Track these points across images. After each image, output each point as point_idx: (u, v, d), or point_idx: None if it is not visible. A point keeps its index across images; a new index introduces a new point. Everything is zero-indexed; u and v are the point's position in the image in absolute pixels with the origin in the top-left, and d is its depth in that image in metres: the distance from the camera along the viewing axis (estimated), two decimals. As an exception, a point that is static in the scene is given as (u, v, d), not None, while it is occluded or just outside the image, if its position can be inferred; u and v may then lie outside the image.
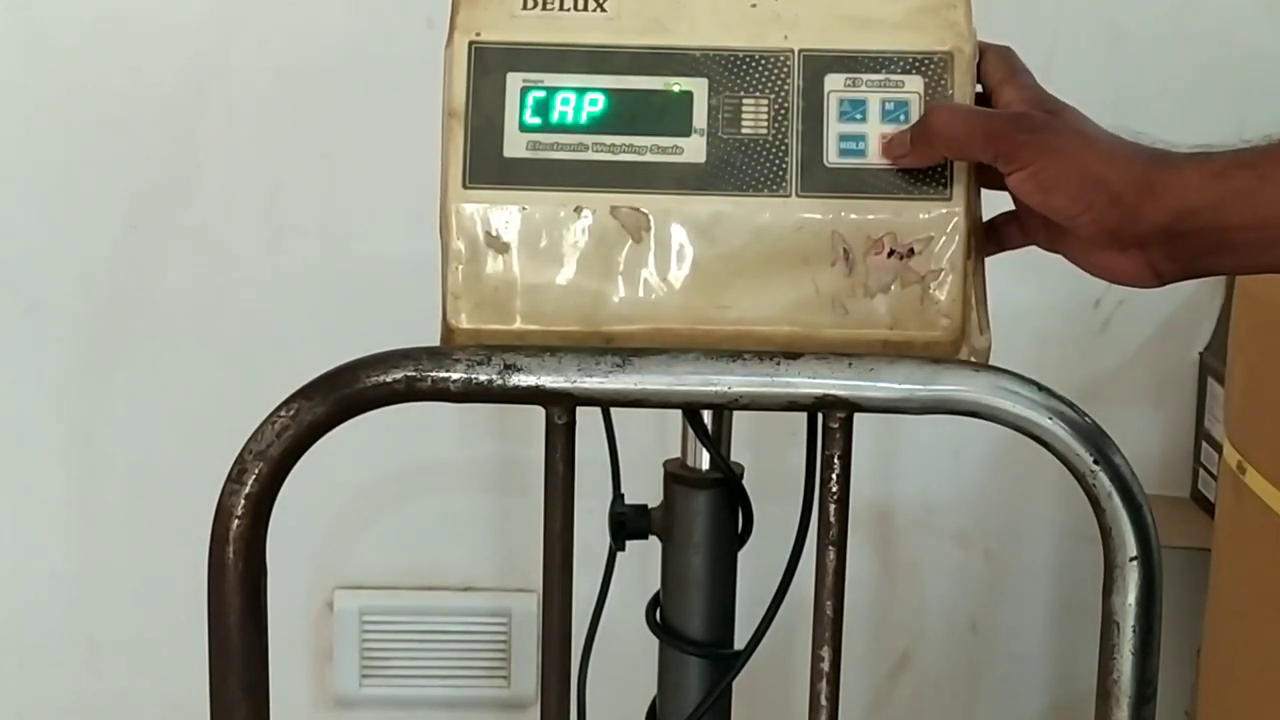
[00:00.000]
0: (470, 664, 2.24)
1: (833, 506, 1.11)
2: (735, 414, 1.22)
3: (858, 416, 1.09)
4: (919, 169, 1.09)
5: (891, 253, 1.09)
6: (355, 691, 2.24)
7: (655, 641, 1.28)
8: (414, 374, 1.08)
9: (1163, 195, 1.03)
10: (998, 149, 1.06)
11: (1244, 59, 2.13)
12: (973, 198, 1.10)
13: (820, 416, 1.11)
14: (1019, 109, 1.08)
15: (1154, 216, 1.04)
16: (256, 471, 1.08)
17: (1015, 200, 1.10)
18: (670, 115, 1.10)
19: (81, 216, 2.11)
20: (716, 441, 1.24)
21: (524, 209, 1.10)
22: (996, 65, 1.11)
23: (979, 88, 1.12)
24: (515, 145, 1.10)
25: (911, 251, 1.09)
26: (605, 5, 1.12)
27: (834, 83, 1.10)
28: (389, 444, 2.10)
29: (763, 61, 1.10)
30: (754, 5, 1.11)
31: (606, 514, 1.27)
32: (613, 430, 1.26)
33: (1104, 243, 1.07)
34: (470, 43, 1.11)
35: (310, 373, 1.09)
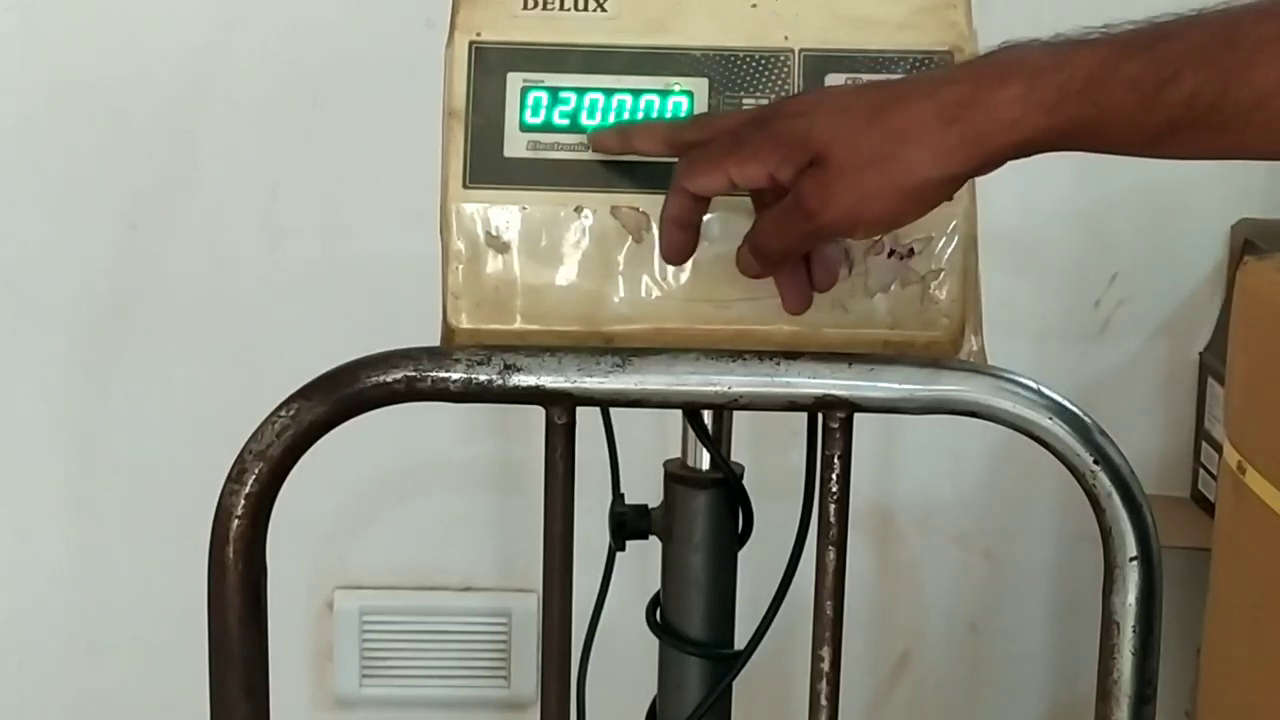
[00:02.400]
0: (470, 664, 2.24)
1: (833, 506, 1.11)
2: (735, 414, 1.22)
3: (858, 416, 1.09)
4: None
5: (891, 253, 1.09)
6: (355, 691, 2.24)
7: (655, 641, 1.28)
8: (414, 374, 1.08)
9: (990, 140, 0.96)
10: (803, 173, 0.99)
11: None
12: (972, 198, 1.10)
13: (820, 416, 1.11)
14: (745, 126, 1.02)
15: (1000, 158, 0.97)
16: (256, 471, 1.08)
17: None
18: (670, 115, 1.10)
19: (81, 216, 2.11)
20: (716, 441, 1.24)
21: (524, 209, 1.10)
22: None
23: None
24: (515, 145, 1.10)
25: (911, 251, 1.09)
26: (605, 5, 1.12)
27: (834, 82, 1.10)
28: (389, 444, 2.10)
29: (763, 61, 1.11)
30: (754, 5, 1.12)
31: (606, 514, 1.27)
32: (612, 430, 1.26)
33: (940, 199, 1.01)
34: (470, 43, 1.11)
35: (310, 373, 1.09)
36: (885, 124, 0.98)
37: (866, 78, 1.10)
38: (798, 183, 1.00)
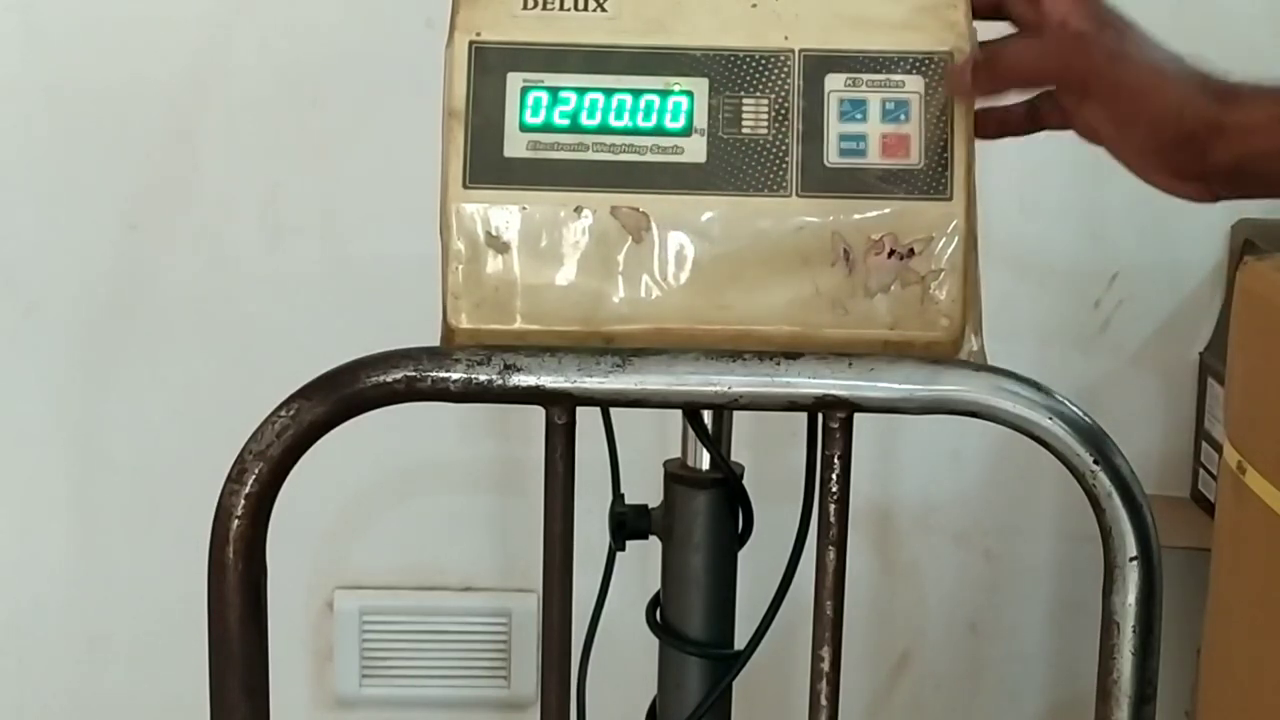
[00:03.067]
0: (470, 664, 2.24)
1: (833, 506, 1.11)
2: (735, 414, 1.22)
3: (858, 416, 1.09)
4: (919, 170, 1.09)
5: (891, 253, 1.09)
6: (355, 691, 2.24)
7: (655, 641, 1.28)
8: (414, 374, 1.08)
9: (1233, 138, 1.04)
10: (1071, 82, 1.05)
11: (1244, 59, 2.13)
12: (972, 198, 1.10)
13: (820, 416, 1.11)
14: (1076, 24, 1.06)
15: (1222, 158, 1.04)
16: (256, 471, 1.08)
17: (1070, 119, 1.08)
18: (670, 115, 1.10)
19: (81, 216, 2.11)
20: (716, 441, 1.24)
21: (524, 209, 1.10)
22: None
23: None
24: (515, 145, 1.10)
25: (911, 251, 1.09)
26: (605, 5, 1.12)
27: (834, 83, 1.10)
28: (389, 444, 2.10)
29: (763, 61, 1.10)
30: (754, 5, 1.12)
31: (606, 514, 1.27)
32: (612, 430, 1.26)
33: (1169, 173, 1.06)
34: (470, 43, 1.11)
35: (310, 373, 1.09)
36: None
37: (866, 78, 1.10)
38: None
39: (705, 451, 1.24)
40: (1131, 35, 1.07)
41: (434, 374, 1.08)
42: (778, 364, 1.08)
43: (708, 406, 1.18)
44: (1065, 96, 1.07)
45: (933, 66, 1.10)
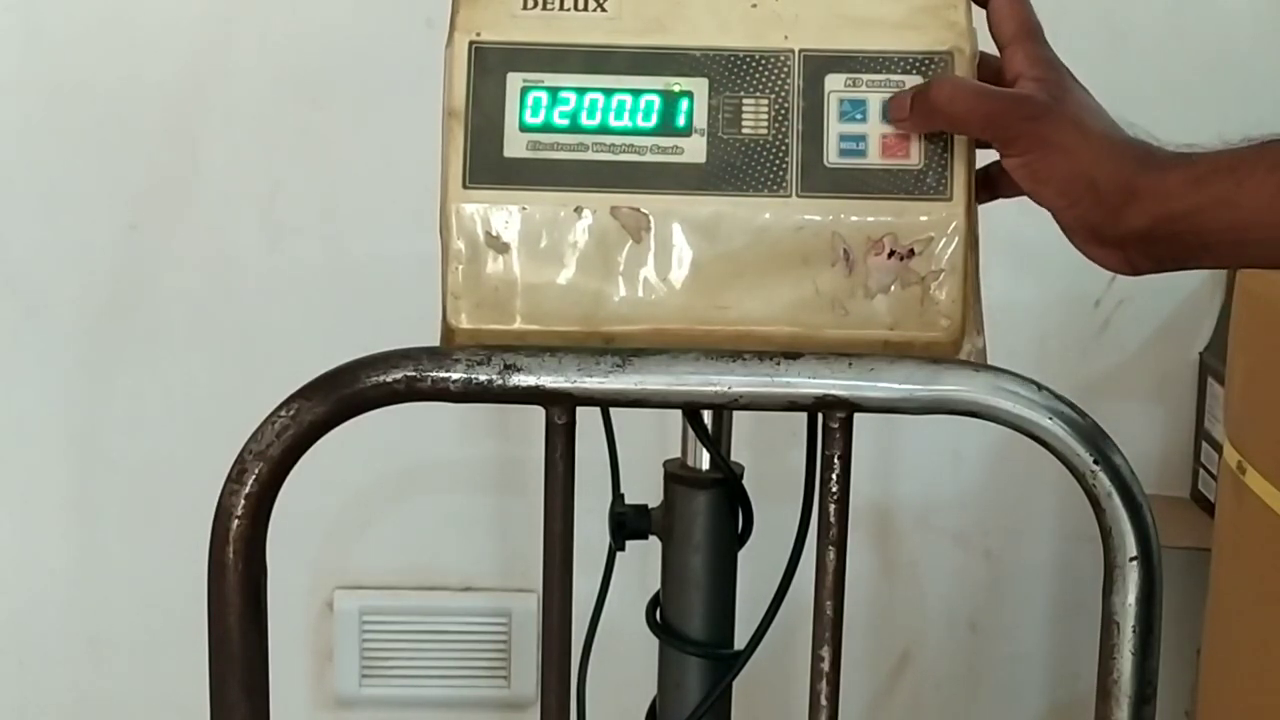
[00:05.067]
0: (470, 664, 2.24)
1: (833, 506, 1.11)
2: (735, 414, 1.22)
3: (858, 416, 1.09)
4: (919, 171, 1.09)
5: (891, 253, 1.09)
6: (355, 691, 2.24)
7: (655, 641, 1.28)
8: (414, 374, 1.08)
9: (1145, 200, 1.05)
10: (995, 133, 1.07)
11: (1244, 59, 2.13)
12: (972, 198, 1.10)
13: (820, 416, 1.11)
14: (1025, 88, 1.08)
15: (1134, 221, 1.05)
16: (256, 471, 1.08)
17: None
18: (670, 115, 1.10)
19: (81, 216, 2.11)
20: (716, 441, 1.24)
21: (524, 209, 1.10)
22: (1009, 18, 1.11)
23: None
24: (515, 145, 1.10)
25: (911, 252, 1.09)
26: (605, 5, 1.12)
27: (834, 83, 1.10)
28: (389, 444, 2.10)
29: (763, 61, 1.10)
30: (754, 5, 1.11)
31: (606, 514, 1.27)
32: (612, 430, 1.26)
33: (1085, 235, 1.08)
34: (470, 43, 1.11)
35: (310, 373, 1.09)
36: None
37: (866, 78, 1.10)
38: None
39: (705, 451, 1.24)
40: (1071, 98, 1.08)
41: (434, 374, 1.08)
42: (777, 364, 1.08)
43: (708, 406, 1.18)
44: (997, 148, 1.08)
45: (933, 66, 1.10)
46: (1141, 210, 1.05)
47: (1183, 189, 1.04)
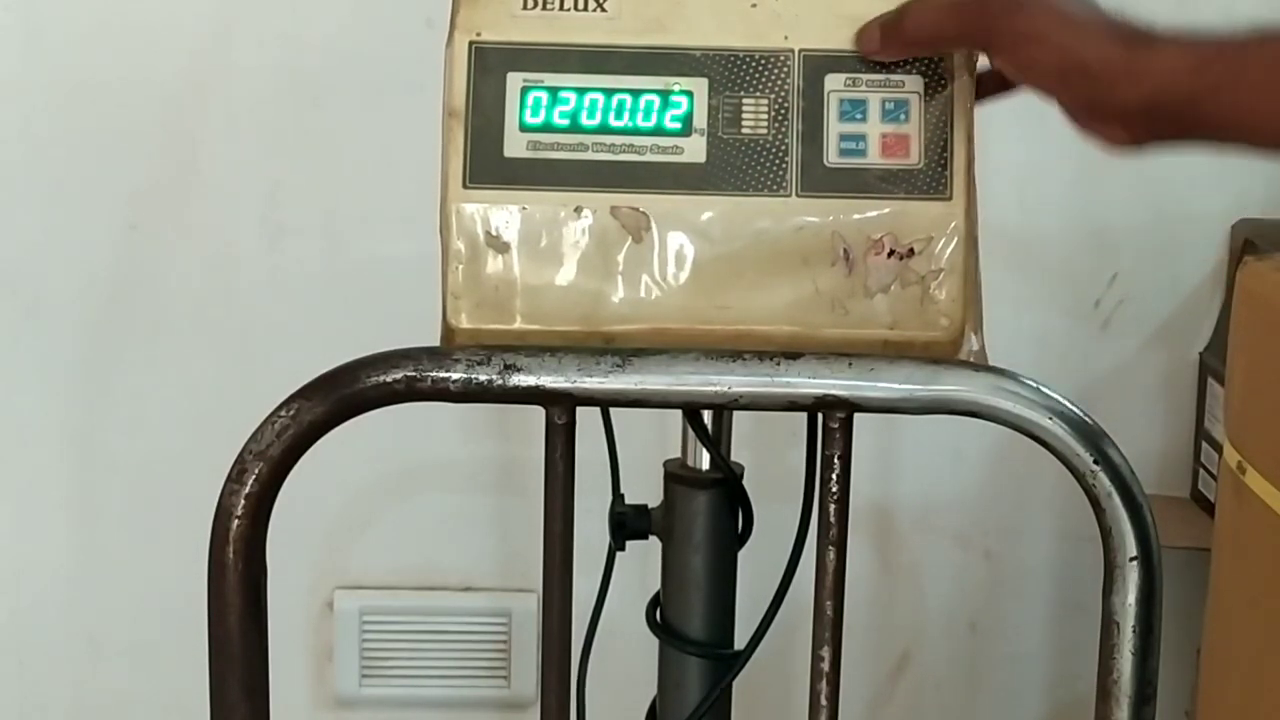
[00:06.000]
0: (470, 664, 2.24)
1: (833, 506, 1.11)
2: (735, 414, 1.22)
3: (858, 416, 1.09)
4: (919, 170, 1.09)
5: (891, 253, 1.09)
6: (355, 691, 2.24)
7: (655, 641, 1.28)
8: (414, 374, 1.08)
9: (1140, 79, 1.04)
10: (973, 39, 1.07)
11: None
12: (972, 198, 1.10)
13: (820, 416, 1.11)
14: None
15: (1129, 95, 1.04)
16: (256, 471, 1.08)
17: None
18: (670, 115, 1.10)
19: (81, 216, 2.11)
20: (716, 441, 1.24)
21: (524, 209, 1.10)
22: None
23: None
24: (515, 145, 1.10)
25: (911, 251, 1.09)
26: (605, 5, 1.12)
27: (834, 82, 1.10)
28: (389, 444, 2.10)
29: (763, 61, 1.10)
30: (754, 5, 1.11)
31: (606, 514, 1.27)
32: (612, 430, 1.26)
33: (1085, 115, 1.07)
34: (470, 43, 1.11)
35: (310, 373, 1.09)
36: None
37: (866, 77, 1.10)
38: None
39: (705, 451, 1.24)
40: None
41: (434, 374, 1.08)
42: (777, 364, 1.08)
43: (707, 406, 1.18)
44: (984, 54, 1.09)
45: (933, 66, 1.10)
46: (1136, 88, 1.04)
47: (1181, 72, 1.03)
